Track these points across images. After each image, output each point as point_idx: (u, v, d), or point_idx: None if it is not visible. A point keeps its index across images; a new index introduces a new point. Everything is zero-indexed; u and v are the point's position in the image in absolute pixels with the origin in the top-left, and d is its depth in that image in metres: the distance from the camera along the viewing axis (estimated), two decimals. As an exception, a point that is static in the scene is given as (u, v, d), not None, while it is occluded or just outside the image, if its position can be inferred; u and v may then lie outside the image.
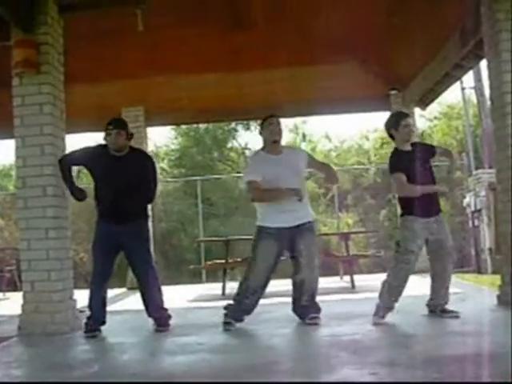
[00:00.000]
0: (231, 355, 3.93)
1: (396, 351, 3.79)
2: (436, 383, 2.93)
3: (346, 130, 32.71)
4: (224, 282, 7.97)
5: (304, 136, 20.83)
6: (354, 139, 21.11)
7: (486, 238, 10.41)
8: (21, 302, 5.19)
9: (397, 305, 4.83)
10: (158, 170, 18.43)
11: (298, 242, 4.89)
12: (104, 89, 8.67)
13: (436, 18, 6.68)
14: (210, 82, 8.89)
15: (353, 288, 7.78)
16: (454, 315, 4.75)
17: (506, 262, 5.38)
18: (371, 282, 7.98)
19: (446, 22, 6.77)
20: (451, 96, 22.41)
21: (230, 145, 20.47)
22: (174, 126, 18.30)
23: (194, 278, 12.12)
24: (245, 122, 19.32)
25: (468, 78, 16.05)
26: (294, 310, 5.02)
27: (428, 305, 4.95)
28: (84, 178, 12.38)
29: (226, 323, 4.82)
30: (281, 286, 6.12)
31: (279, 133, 5.00)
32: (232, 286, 8.16)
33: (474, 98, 16.30)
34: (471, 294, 6.74)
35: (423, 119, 20.22)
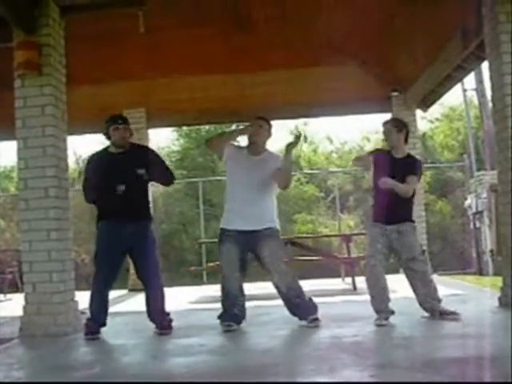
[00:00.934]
0: (232, 357, 3.94)
1: (396, 353, 3.78)
2: (436, 383, 2.94)
3: (347, 131, 32.67)
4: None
5: (305, 138, 20.81)
6: (356, 141, 21.09)
7: (488, 240, 10.41)
8: (22, 303, 5.19)
9: (392, 306, 4.84)
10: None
11: (261, 248, 4.84)
12: (106, 90, 8.69)
13: (437, 19, 6.69)
14: (211, 83, 8.91)
15: (354, 290, 7.77)
16: (454, 317, 4.75)
17: (506, 264, 5.38)
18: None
19: (448, 24, 6.77)
20: (453, 98, 22.48)
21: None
22: (175, 128, 18.30)
23: (196, 279, 12.11)
24: (246, 124, 19.30)
25: (469, 80, 16.06)
26: (291, 311, 4.98)
27: (424, 309, 4.96)
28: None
29: (225, 325, 4.82)
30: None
31: (257, 134, 4.99)
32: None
33: (475, 100, 16.30)
34: (472, 295, 6.74)
35: (425, 121, 20.21)
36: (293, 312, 4.97)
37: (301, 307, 4.91)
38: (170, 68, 8.15)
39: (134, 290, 8.75)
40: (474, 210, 11.18)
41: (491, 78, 5.59)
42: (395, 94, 9.55)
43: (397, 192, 4.77)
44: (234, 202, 4.96)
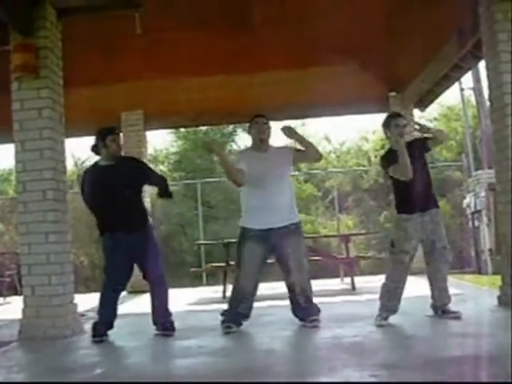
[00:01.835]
0: (232, 358, 3.93)
1: (397, 353, 3.79)
2: (437, 383, 2.94)
3: (345, 131, 32.66)
4: (225, 284, 7.96)
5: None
6: (354, 141, 21.10)
7: (486, 239, 10.41)
8: (21, 306, 5.19)
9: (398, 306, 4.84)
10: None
11: (285, 245, 4.82)
12: (103, 92, 8.67)
13: (434, 19, 6.69)
14: (209, 84, 8.90)
15: (353, 290, 7.77)
16: (456, 316, 4.75)
17: (506, 263, 5.38)
18: (372, 284, 7.97)
19: (445, 23, 6.78)
20: (451, 97, 22.46)
21: (229, 147, 20.47)
22: (173, 130, 18.31)
23: (195, 280, 12.10)
24: (244, 125, 19.33)
25: (467, 79, 16.09)
26: (294, 312, 5.00)
27: (432, 305, 4.95)
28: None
29: (225, 326, 4.81)
30: (280, 288, 6.10)
31: (266, 131, 4.99)
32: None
33: (473, 99, 16.31)
34: (471, 294, 6.74)
35: (422, 120, 20.22)
36: (296, 314, 4.98)
37: (306, 310, 4.91)
38: (168, 69, 8.14)
39: (133, 291, 8.74)
40: (472, 209, 11.18)
41: (488, 76, 5.58)
42: (393, 93, 9.57)
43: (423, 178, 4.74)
44: (256, 201, 4.88)
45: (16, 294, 9.76)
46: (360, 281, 8.43)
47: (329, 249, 13.13)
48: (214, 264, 9.13)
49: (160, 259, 5.04)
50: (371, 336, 4.38)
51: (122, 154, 5.10)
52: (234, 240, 8.89)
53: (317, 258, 8.79)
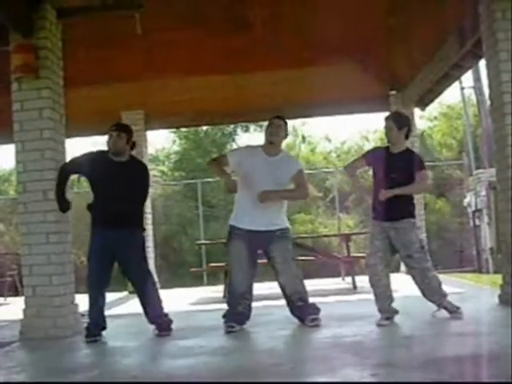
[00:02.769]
0: (232, 358, 3.93)
1: (397, 352, 3.78)
2: (437, 383, 2.93)
3: (345, 131, 32.70)
4: (225, 284, 7.96)
5: (303, 138, 20.83)
6: (354, 140, 21.10)
7: (487, 238, 10.42)
8: (22, 306, 5.19)
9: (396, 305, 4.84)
10: (159, 173, 18.45)
11: (271, 249, 4.88)
12: (104, 93, 8.67)
13: (434, 18, 6.69)
14: (209, 84, 8.90)
15: (354, 289, 7.78)
16: (456, 315, 4.75)
17: (506, 262, 5.38)
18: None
19: (445, 22, 6.77)
20: (451, 96, 22.47)
21: (229, 147, 20.49)
22: (173, 129, 18.31)
23: (195, 280, 12.11)
24: (244, 125, 19.33)
25: (467, 78, 16.07)
26: (292, 312, 5.01)
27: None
28: (84, 183, 12.37)
29: (227, 326, 4.82)
30: (277, 287, 6.08)
31: (277, 135, 4.97)
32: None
33: (473, 98, 16.30)
34: (472, 293, 6.74)
35: (423, 119, 20.23)
36: (294, 313, 5.00)
37: (303, 309, 4.93)
38: (168, 69, 8.14)
39: (133, 292, 8.73)
40: (473, 208, 11.19)
41: (488, 75, 5.59)
42: (393, 92, 9.56)
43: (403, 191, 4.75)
44: (246, 200, 4.90)
45: (17, 294, 9.78)
46: (361, 280, 8.42)
47: (329, 248, 13.14)
48: (215, 263, 9.12)
49: (145, 260, 5.00)
50: (371, 335, 4.38)
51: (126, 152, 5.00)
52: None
53: (317, 257, 8.80)
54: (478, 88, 14.83)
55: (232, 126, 19.10)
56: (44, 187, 5.14)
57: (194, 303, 7.68)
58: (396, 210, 4.79)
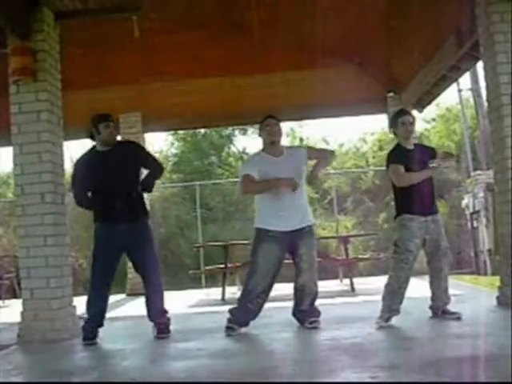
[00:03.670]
0: (231, 360, 3.93)
1: (396, 354, 3.79)
2: (437, 383, 2.94)
3: (343, 133, 32.73)
4: (223, 286, 7.96)
5: (301, 140, 20.83)
6: (352, 142, 21.10)
7: (485, 240, 10.43)
8: (20, 309, 5.19)
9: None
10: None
11: (299, 246, 4.85)
12: (101, 95, 8.67)
13: (432, 20, 6.70)
14: (207, 86, 8.91)
15: (352, 291, 7.77)
16: (456, 317, 4.75)
17: (505, 264, 5.39)
18: (371, 285, 7.99)
19: (442, 24, 6.78)
20: (449, 98, 22.51)
21: (227, 150, 20.49)
22: (171, 132, 18.31)
23: (194, 283, 12.10)
24: (242, 127, 19.34)
25: (465, 80, 16.11)
26: (294, 314, 5.01)
27: (430, 307, 4.95)
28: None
29: (228, 328, 4.80)
30: (280, 289, 6.11)
31: (277, 133, 4.97)
32: (231, 291, 8.17)
33: (471, 100, 16.33)
34: (470, 295, 6.75)
35: (421, 121, 20.25)
36: (296, 315, 4.99)
37: (306, 313, 4.93)
38: (165, 72, 8.15)
39: (132, 294, 8.74)
40: (471, 209, 11.21)
41: (486, 77, 5.60)
42: (391, 94, 9.57)
43: (427, 182, 4.80)
44: (272, 202, 4.85)
45: (15, 297, 9.75)
46: (359, 282, 8.43)
47: (328, 250, 13.13)
48: (213, 266, 9.12)
49: (155, 254, 4.98)
50: (370, 337, 4.38)
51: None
52: (232, 242, 8.98)
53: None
54: (475, 90, 14.86)
55: (230, 128, 19.11)
56: (42, 190, 5.14)
57: (193, 305, 7.67)
58: (433, 202, 4.89)
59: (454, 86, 15.13)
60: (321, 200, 16.66)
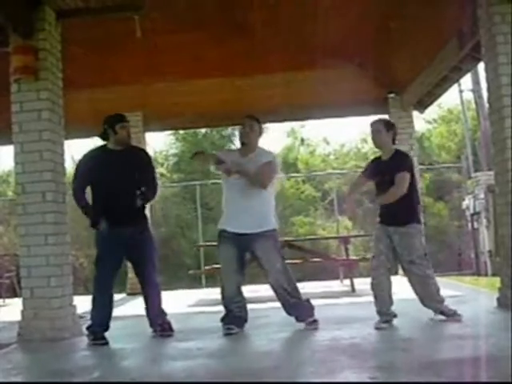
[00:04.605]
0: (231, 360, 3.93)
1: (395, 355, 3.78)
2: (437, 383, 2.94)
3: (344, 133, 32.73)
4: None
5: (302, 140, 20.83)
6: (353, 143, 21.10)
7: (486, 241, 10.42)
8: (20, 308, 5.19)
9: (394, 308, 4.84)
10: (157, 175, 18.43)
11: (255, 248, 4.88)
12: (102, 94, 8.67)
13: (433, 21, 6.69)
14: (208, 87, 8.91)
15: (353, 291, 7.77)
16: (453, 315, 4.76)
17: (505, 265, 5.38)
18: (371, 286, 7.97)
19: (444, 25, 6.78)
20: (451, 99, 22.51)
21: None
22: (172, 132, 18.31)
23: (194, 282, 12.10)
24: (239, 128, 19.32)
25: (466, 81, 16.09)
26: (287, 311, 5.00)
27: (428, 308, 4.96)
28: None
29: (226, 328, 4.82)
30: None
31: (247, 136, 4.99)
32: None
33: (472, 101, 16.33)
34: (471, 296, 6.74)
35: (422, 122, 20.24)
36: (289, 312, 4.99)
37: (297, 307, 4.92)
38: (167, 72, 8.15)
39: (132, 293, 8.74)
40: (471, 211, 11.20)
41: (487, 78, 5.59)
42: (392, 95, 9.56)
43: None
44: (230, 203, 4.95)
45: (15, 296, 9.75)
46: (359, 282, 8.42)
47: (328, 251, 13.13)
48: (213, 266, 9.10)
49: (154, 256, 4.98)
50: (370, 338, 4.38)
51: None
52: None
53: (315, 260, 8.80)
54: (476, 91, 14.86)
55: (230, 128, 19.11)
56: (42, 189, 5.14)
57: (193, 305, 7.67)
58: (401, 214, 4.76)
59: (455, 87, 15.15)
60: (321, 200, 16.66)
